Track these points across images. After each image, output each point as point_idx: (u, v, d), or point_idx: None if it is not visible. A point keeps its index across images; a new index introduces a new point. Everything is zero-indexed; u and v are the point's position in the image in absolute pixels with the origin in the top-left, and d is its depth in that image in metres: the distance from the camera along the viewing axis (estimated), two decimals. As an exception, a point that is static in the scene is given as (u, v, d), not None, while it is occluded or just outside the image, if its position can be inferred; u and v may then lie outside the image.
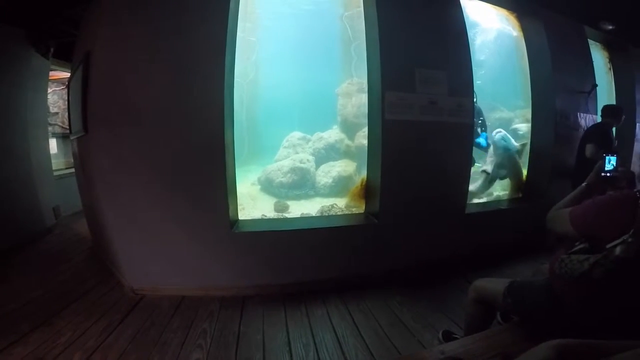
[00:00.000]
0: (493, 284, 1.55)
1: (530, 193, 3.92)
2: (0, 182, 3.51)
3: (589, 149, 3.25)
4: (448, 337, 1.99)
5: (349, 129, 5.42)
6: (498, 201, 4.13)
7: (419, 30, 2.84)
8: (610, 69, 4.96)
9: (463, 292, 2.54)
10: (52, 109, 5.71)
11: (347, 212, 3.39)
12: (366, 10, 2.96)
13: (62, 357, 1.86)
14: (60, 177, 4.87)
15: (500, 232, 3.41)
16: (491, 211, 3.58)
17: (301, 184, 5.00)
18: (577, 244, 1.18)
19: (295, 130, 6.02)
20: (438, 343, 1.96)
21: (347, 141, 5.40)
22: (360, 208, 3.23)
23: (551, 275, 1.27)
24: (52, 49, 4.11)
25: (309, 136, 5.84)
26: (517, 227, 3.51)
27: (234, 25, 2.60)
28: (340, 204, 3.67)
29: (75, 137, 3.16)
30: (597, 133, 3.37)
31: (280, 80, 6.60)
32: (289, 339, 2.10)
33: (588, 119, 3.94)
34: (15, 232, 3.65)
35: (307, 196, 4.93)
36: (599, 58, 4.76)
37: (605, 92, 4.76)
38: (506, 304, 1.42)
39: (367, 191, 3.13)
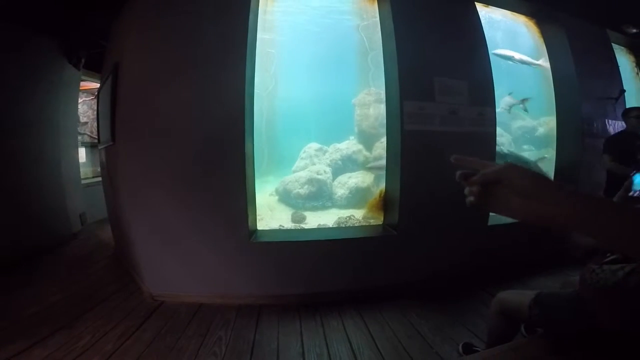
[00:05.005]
0: (518, 296, 1.49)
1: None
2: (31, 188, 3.67)
3: (603, 160, 3.10)
4: (469, 350, 1.91)
5: (366, 139, 5.41)
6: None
7: (436, 38, 2.83)
8: (637, 73, 4.76)
9: (484, 305, 2.45)
10: (82, 119, 5.98)
11: (364, 224, 3.35)
12: (382, 21, 2.98)
13: (79, 360, 1.89)
14: (88, 185, 5.06)
15: (524, 244, 3.27)
16: (515, 223, 3.43)
17: (318, 195, 5.02)
18: (608, 255, 1.13)
19: (312, 141, 6.07)
20: (458, 356, 1.89)
21: (364, 152, 5.40)
22: (378, 220, 3.19)
23: (582, 286, 1.21)
24: (83, 60, 4.31)
25: (325, 147, 5.88)
26: (542, 239, 3.37)
27: (253, 38, 2.67)
28: (357, 216, 3.65)
29: (103, 146, 3.29)
30: (613, 141, 3.17)
31: (298, 91, 6.69)
32: (303, 349, 2.07)
33: (617, 126, 3.78)
34: (43, 237, 3.80)
35: (324, 207, 4.94)
36: (625, 63, 4.59)
37: (635, 98, 4.56)
38: (532, 316, 1.36)
39: (385, 203, 3.09)
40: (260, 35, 2.83)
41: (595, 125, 3.66)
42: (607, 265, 1.07)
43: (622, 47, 4.58)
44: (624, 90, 3.87)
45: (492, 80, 3.00)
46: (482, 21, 3.10)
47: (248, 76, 2.55)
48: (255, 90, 2.77)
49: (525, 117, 5.59)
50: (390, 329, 2.28)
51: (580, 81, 3.58)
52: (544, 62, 4.46)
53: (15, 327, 2.20)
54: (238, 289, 2.67)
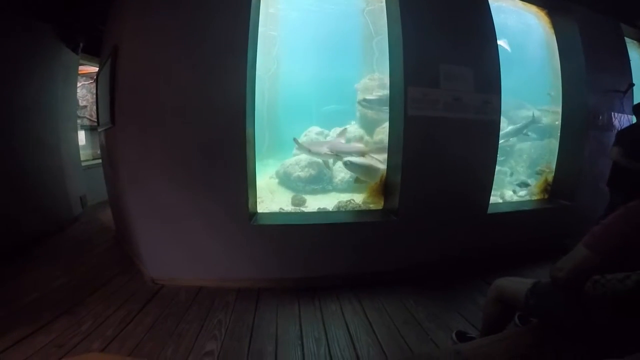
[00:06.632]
0: (515, 284, 1.50)
1: (557, 195, 3.77)
2: (32, 172, 3.66)
3: (613, 152, 3.08)
4: (462, 337, 1.94)
5: (368, 124, 5.35)
6: (522, 202, 4.00)
7: (443, 24, 2.76)
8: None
9: (481, 293, 2.50)
10: (81, 102, 5.93)
11: (364, 208, 3.35)
12: (388, 5, 2.89)
13: (81, 345, 1.90)
14: (88, 167, 5.07)
15: (523, 233, 3.29)
16: (515, 212, 3.45)
17: (318, 178, 5.01)
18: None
19: (314, 124, 6.01)
20: (452, 343, 1.92)
21: (366, 137, 5.35)
22: (378, 204, 3.19)
23: (582, 299, 1.19)
24: (81, 44, 4.25)
25: (327, 131, 5.82)
26: (541, 229, 3.39)
27: (255, 19, 2.60)
28: (357, 200, 3.64)
29: (102, 129, 3.26)
30: (626, 135, 3.13)
31: (299, 74, 6.59)
32: (301, 333, 2.10)
33: (623, 119, 3.74)
34: (44, 220, 3.80)
35: (324, 191, 4.94)
36: (637, 57, 4.48)
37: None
38: (528, 305, 1.37)
39: (386, 188, 3.08)
40: (262, 17, 2.75)
41: (601, 117, 3.61)
42: (610, 275, 1.06)
43: (634, 41, 4.46)
44: (633, 84, 3.80)
45: (499, 68, 2.94)
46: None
47: (250, 58, 2.50)
48: (257, 73, 2.72)
49: (529, 107, 5.52)
50: (387, 314, 2.32)
51: (589, 73, 3.51)
52: (505, 44, 4.40)
53: (18, 313, 2.22)
54: (238, 272, 2.69)
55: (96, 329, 2.07)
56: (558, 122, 3.89)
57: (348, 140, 5.16)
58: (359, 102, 4.87)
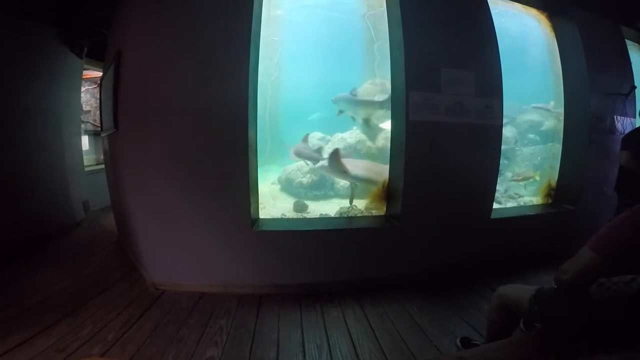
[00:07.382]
0: (519, 291, 1.48)
1: (561, 199, 3.74)
2: (35, 176, 3.68)
3: (623, 157, 2.98)
4: (466, 344, 1.91)
5: (371, 130, 5.36)
6: (526, 207, 3.97)
7: (444, 28, 2.77)
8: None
9: (484, 299, 2.48)
10: (85, 107, 5.97)
11: (366, 214, 3.34)
12: (389, 9, 2.91)
13: (82, 349, 1.89)
14: (91, 172, 5.08)
15: (526, 238, 3.26)
16: (518, 217, 3.42)
17: (320, 184, 5.01)
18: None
19: (316, 130, 6.02)
20: (456, 349, 1.90)
21: (368, 142, 5.35)
22: (380, 210, 3.18)
23: (585, 302, 1.18)
24: (85, 49, 4.28)
25: (329, 137, 5.82)
26: (545, 234, 3.36)
27: (257, 25, 2.62)
28: (359, 206, 3.64)
29: (106, 134, 3.28)
30: (633, 139, 3.04)
31: (301, 80, 6.61)
32: (303, 339, 2.08)
33: (626, 122, 3.72)
34: (47, 225, 3.82)
35: (326, 197, 4.94)
36: (638, 59, 4.47)
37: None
38: (532, 311, 1.35)
39: (388, 194, 3.07)
40: (263, 22, 2.76)
41: (603, 120, 3.59)
42: (616, 278, 1.05)
43: (635, 44, 4.45)
44: (635, 87, 3.79)
45: (501, 72, 2.94)
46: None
47: (252, 63, 2.52)
48: (259, 79, 2.73)
49: (532, 111, 5.53)
50: (390, 320, 2.29)
51: (591, 76, 3.50)
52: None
53: (19, 316, 2.22)
54: (239, 278, 2.68)
55: (97, 333, 2.06)
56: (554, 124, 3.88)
57: (351, 146, 5.21)
58: (332, 101, 5.11)
